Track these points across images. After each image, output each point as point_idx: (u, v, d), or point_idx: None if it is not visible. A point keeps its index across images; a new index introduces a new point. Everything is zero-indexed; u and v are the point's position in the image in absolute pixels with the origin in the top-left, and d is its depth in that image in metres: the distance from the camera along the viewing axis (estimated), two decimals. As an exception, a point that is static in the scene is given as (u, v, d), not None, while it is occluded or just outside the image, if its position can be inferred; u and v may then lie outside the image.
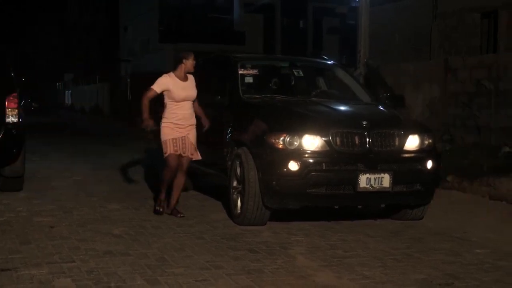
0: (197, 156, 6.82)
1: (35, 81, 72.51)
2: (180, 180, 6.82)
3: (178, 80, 6.68)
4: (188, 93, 6.70)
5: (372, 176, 6.04)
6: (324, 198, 6.13)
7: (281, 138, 6.03)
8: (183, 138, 6.68)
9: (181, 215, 6.71)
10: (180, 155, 6.67)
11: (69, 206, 7.35)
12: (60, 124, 31.64)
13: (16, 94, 7.80)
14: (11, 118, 7.70)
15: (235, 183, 6.55)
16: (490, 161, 9.22)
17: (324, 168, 6.00)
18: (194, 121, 6.80)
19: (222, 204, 7.38)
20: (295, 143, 6.01)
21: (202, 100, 7.95)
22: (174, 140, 6.64)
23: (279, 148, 6.02)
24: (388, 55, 18.30)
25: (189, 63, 6.69)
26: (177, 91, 6.61)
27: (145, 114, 6.60)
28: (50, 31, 74.34)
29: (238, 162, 6.46)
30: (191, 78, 6.82)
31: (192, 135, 6.76)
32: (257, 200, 6.15)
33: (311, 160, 5.98)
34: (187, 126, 6.72)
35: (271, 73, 8.09)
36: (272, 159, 6.04)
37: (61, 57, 72.28)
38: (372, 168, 6.09)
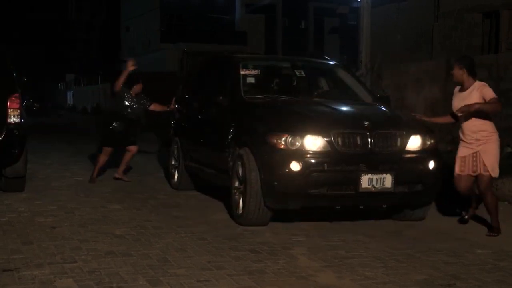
0: None
1: (36, 82, 72.52)
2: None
3: None
4: None
5: (374, 177, 6.04)
6: (326, 198, 6.13)
7: (283, 139, 6.03)
8: None
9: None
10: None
11: (70, 206, 7.35)
12: (61, 124, 31.66)
13: (18, 94, 7.80)
14: (13, 119, 7.70)
15: (236, 184, 6.55)
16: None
17: (325, 168, 6.00)
18: None
19: (224, 204, 7.38)
20: (297, 143, 6.01)
21: (205, 100, 7.97)
22: None
23: (281, 148, 6.03)
24: (389, 55, 18.29)
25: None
26: None
27: None
28: (52, 32, 74.36)
29: (239, 163, 6.46)
30: None
31: None
32: (258, 201, 6.15)
33: (312, 161, 5.98)
34: None
35: (272, 74, 8.09)
36: (273, 159, 6.04)
37: (62, 58, 72.34)
38: (374, 168, 6.08)
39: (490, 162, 6.18)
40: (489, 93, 6.14)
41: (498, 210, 6.33)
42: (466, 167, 6.28)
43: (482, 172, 6.21)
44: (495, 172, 6.23)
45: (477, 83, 6.27)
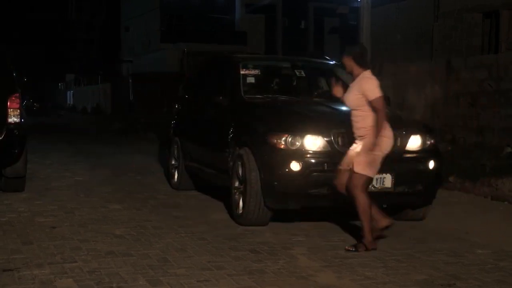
0: None
1: (36, 82, 72.55)
2: None
3: None
4: None
5: (374, 177, 6.03)
6: (326, 198, 6.13)
7: (283, 139, 6.03)
8: None
9: None
10: None
11: (70, 206, 7.35)
12: (61, 124, 31.66)
13: (18, 94, 7.80)
14: (13, 119, 7.70)
15: (236, 184, 6.55)
16: (492, 162, 9.21)
17: (325, 168, 5.99)
18: None
19: (224, 204, 7.38)
20: (297, 143, 6.01)
21: (204, 100, 7.94)
22: None
23: (281, 148, 6.02)
24: (389, 55, 18.29)
25: None
26: None
27: None
28: (52, 32, 74.36)
29: (239, 163, 6.46)
30: None
31: None
32: (258, 201, 6.15)
33: (312, 161, 5.98)
34: None
35: (272, 74, 8.09)
36: (273, 159, 6.04)
37: (62, 58, 72.34)
38: (374, 168, 6.07)
39: (357, 157, 5.52)
40: (369, 90, 5.45)
41: (369, 218, 5.45)
42: (345, 161, 5.69)
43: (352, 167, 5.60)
44: (358, 168, 5.45)
45: (362, 74, 5.58)
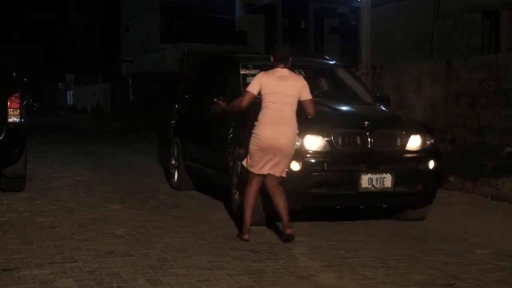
0: None
1: (36, 82, 72.55)
2: None
3: None
4: None
5: (374, 176, 6.04)
6: (326, 198, 6.14)
7: (283, 138, 6.02)
8: None
9: None
10: None
11: (70, 206, 7.35)
12: (61, 124, 31.66)
13: (18, 94, 7.80)
14: (13, 118, 7.70)
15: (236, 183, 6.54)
16: (492, 162, 9.21)
17: (325, 168, 6.00)
18: None
19: (224, 204, 7.38)
20: (297, 143, 6.00)
21: (204, 100, 7.94)
22: None
23: (281, 148, 6.01)
24: (389, 55, 18.30)
25: None
26: None
27: None
28: (52, 32, 74.37)
29: (239, 163, 6.45)
30: None
31: None
32: (258, 201, 6.14)
33: (312, 160, 5.98)
34: None
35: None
36: (273, 159, 6.02)
37: (62, 58, 72.34)
38: (374, 168, 6.09)
39: None
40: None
41: (250, 213, 5.68)
42: None
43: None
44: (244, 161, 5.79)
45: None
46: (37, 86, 75.55)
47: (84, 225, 6.30)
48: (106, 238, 5.74)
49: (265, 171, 5.65)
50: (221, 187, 7.27)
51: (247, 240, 5.67)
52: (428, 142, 6.45)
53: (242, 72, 7.50)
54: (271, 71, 5.76)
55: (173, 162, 8.84)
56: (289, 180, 5.96)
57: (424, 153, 6.38)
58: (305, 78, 8.15)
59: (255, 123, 5.66)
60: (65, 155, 13.54)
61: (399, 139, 6.28)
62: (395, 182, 6.13)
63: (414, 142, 6.36)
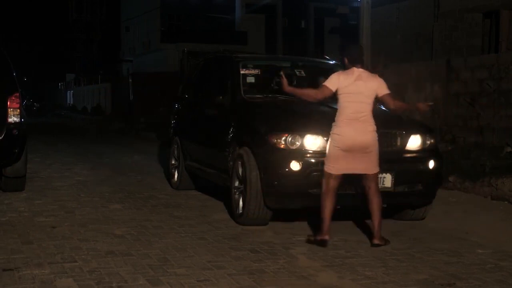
0: None
1: (36, 82, 72.56)
2: None
3: None
4: None
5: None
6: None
7: (283, 138, 6.03)
8: None
9: None
10: None
11: (70, 206, 7.35)
12: (61, 124, 31.67)
13: (18, 94, 7.80)
14: (13, 118, 7.70)
15: (236, 183, 6.55)
16: (492, 162, 9.21)
17: (326, 168, 5.99)
18: None
19: (224, 204, 7.38)
20: (297, 143, 6.01)
21: (204, 100, 7.94)
22: None
23: (281, 148, 6.02)
24: (389, 55, 18.30)
25: None
26: None
27: None
28: (52, 32, 74.34)
29: (239, 162, 6.46)
30: None
31: None
32: (258, 200, 6.15)
33: (312, 160, 5.98)
34: None
35: (272, 73, 8.07)
36: (273, 159, 6.04)
37: (62, 58, 72.31)
38: (374, 168, 6.07)
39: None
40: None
41: (329, 215, 5.62)
42: None
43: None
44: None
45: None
46: (37, 86, 75.55)
47: (84, 225, 6.30)
48: (106, 238, 5.74)
49: (342, 171, 5.60)
50: (222, 187, 7.27)
51: (324, 241, 5.54)
52: (428, 142, 6.45)
53: (242, 71, 7.50)
54: (349, 71, 5.72)
55: (173, 162, 8.84)
56: (289, 180, 5.97)
57: (424, 153, 6.38)
58: (305, 78, 8.22)
59: (333, 124, 5.63)
60: (65, 155, 13.54)
61: (399, 139, 6.28)
62: (395, 182, 6.13)
63: (414, 142, 6.36)
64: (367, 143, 5.58)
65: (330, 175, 5.62)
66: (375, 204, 5.66)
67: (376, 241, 5.62)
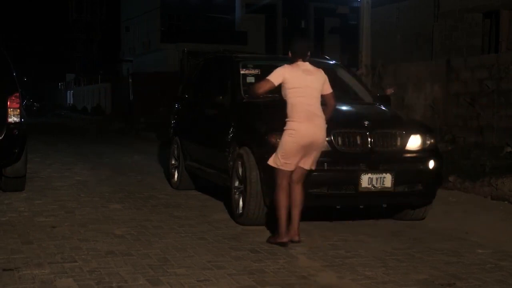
0: None
1: (36, 82, 72.55)
2: None
3: None
4: None
5: (374, 176, 6.04)
6: (326, 198, 6.13)
7: (283, 138, 6.02)
8: None
9: None
10: None
11: (70, 206, 7.35)
12: (61, 124, 31.66)
13: (18, 94, 7.80)
14: (13, 118, 7.69)
15: (236, 183, 6.54)
16: (492, 162, 9.21)
17: (325, 168, 5.99)
18: None
19: (224, 204, 7.38)
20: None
21: (204, 100, 7.93)
22: None
23: (281, 148, 6.01)
24: (389, 55, 18.30)
25: None
26: None
27: None
28: (52, 32, 74.34)
29: (239, 162, 6.46)
30: None
31: None
32: (258, 200, 6.15)
33: (312, 160, 5.97)
34: None
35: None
36: (273, 159, 6.02)
37: (62, 58, 72.32)
38: (374, 168, 6.08)
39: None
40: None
41: (285, 215, 5.55)
42: None
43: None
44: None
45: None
46: (37, 86, 75.55)
47: (84, 225, 6.30)
48: (106, 238, 5.74)
49: (295, 166, 5.55)
50: (222, 187, 7.27)
51: (285, 243, 5.50)
52: (428, 142, 6.45)
53: (242, 71, 7.50)
54: (294, 65, 5.64)
55: (173, 162, 8.84)
56: (289, 180, 5.96)
57: (424, 153, 6.38)
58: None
59: (287, 120, 5.54)
60: (65, 155, 13.54)
61: (399, 139, 6.28)
62: (395, 182, 6.13)
63: (414, 142, 6.36)
64: (323, 139, 5.58)
65: (284, 172, 5.56)
66: (299, 195, 5.60)
67: (297, 238, 5.57)
